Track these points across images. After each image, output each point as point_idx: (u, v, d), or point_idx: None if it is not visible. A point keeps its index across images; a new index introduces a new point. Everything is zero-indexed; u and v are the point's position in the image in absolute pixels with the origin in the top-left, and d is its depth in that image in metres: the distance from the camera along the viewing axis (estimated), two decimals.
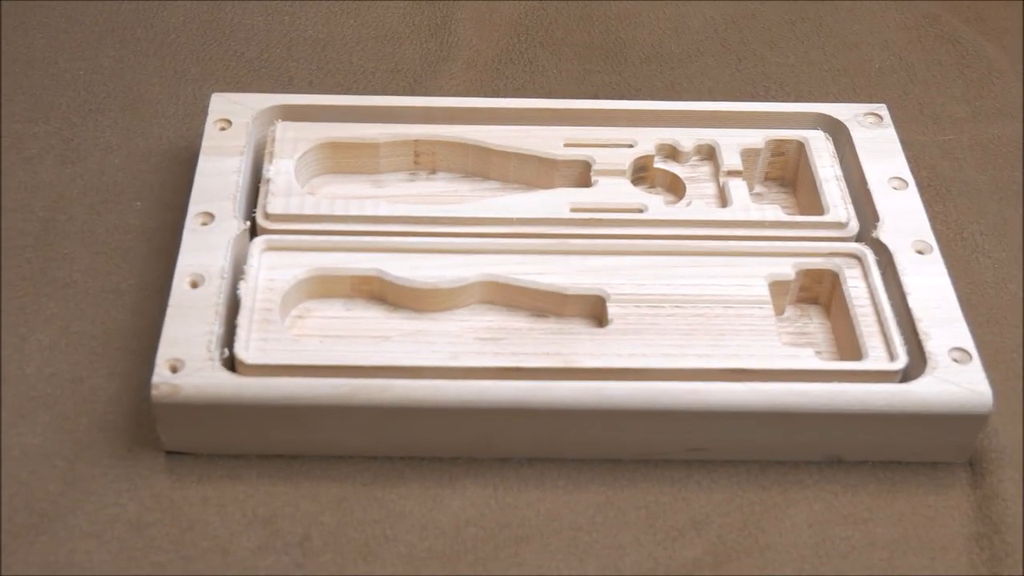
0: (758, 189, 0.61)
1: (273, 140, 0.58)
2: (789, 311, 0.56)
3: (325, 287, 0.54)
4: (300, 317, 0.54)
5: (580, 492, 0.50)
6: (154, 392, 0.48)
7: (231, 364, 0.50)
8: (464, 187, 0.60)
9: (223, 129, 0.58)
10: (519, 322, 0.53)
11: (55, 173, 0.59)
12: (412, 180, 0.60)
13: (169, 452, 0.50)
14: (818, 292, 0.55)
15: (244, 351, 0.49)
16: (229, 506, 0.49)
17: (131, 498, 0.49)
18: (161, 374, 0.48)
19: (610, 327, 0.52)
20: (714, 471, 0.51)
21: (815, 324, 0.55)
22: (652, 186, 0.60)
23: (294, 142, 0.58)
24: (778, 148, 0.60)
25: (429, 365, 0.50)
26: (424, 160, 0.60)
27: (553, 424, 0.50)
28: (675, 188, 0.59)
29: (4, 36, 0.69)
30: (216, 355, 0.49)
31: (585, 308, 0.54)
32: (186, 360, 0.49)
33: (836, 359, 0.53)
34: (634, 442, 0.51)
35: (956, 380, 0.50)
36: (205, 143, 0.58)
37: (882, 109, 0.61)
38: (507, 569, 0.48)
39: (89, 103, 0.61)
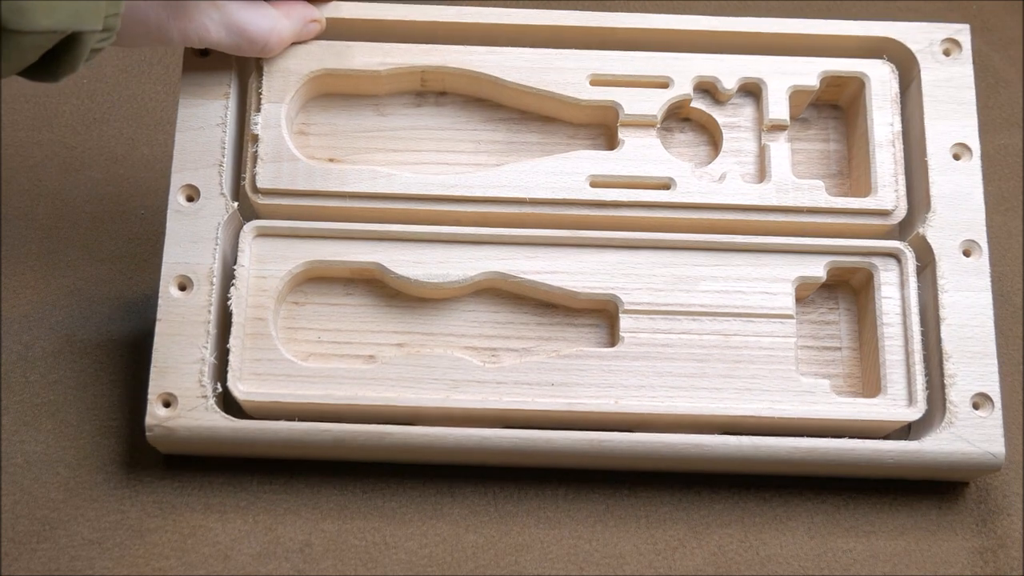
0: (806, 115, 0.54)
1: (259, 74, 0.51)
2: (815, 294, 0.52)
3: (322, 275, 0.51)
4: (297, 304, 0.51)
5: (580, 501, 0.50)
6: (149, 435, 0.48)
7: (225, 395, 0.48)
8: (476, 116, 0.53)
9: (203, 53, 0.51)
10: (525, 316, 0.51)
11: (59, 181, 0.59)
12: (419, 105, 0.53)
13: (169, 456, 0.51)
14: (850, 277, 0.52)
15: (237, 384, 0.48)
16: (230, 513, 0.49)
17: (133, 504, 0.49)
18: (155, 414, 0.47)
19: (620, 347, 0.49)
20: (714, 482, 0.51)
21: (841, 311, 0.52)
22: (686, 119, 0.53)
23: (283, 76, 0.51)
24: (835, 82, 0.53)
25: (428, 406, 0.48)
26: (432, 82, 0.52)
27: (550, 461, 0.49)
28: (711, 131, 0.53)
29: None
30: (209, 390, 0.48)
31: (597, 309, 0.51)
32: (179, 396, 0.47)
33: (856, 368, 0.51)
34: (633, 468, 0.50)
35: (972, 438, 0.48)
36: (185, 76, 0.51)
37: (963, 32, 0.53)
38: None
39: (93, 112, 0.61)
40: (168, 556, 0.48)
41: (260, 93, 0.51)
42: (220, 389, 0.48)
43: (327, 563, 0.48)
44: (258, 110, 0.50)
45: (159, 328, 0.48)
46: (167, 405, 0.47)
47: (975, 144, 0.51)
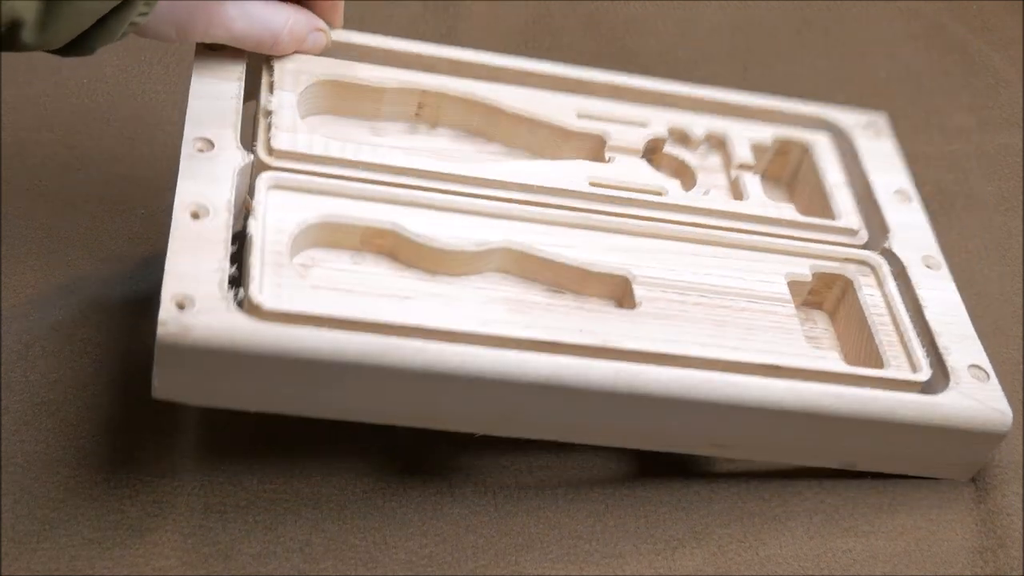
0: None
1: (272, 70, 0.53)
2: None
3: (334, 236, 0.49)
4: (304, 266, 0.49)
5: (580, 500, 0.50)
6: (160, 330, 0.42)
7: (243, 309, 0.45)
8: (466, 146, 0.56)
9: (215, 50, 0.53)
10: (536, 296, 0.51)
11: (59, 181, 0.59)
12: (412, 132, 0.56)
13: (158, 400, 0.46)
14: (825, 297, 0.55)
15: (259, 294, 0.44)
16: (230, 512, 0.49)
17: (133, 504, 0.49)
18: (168, 310, 0.43)
19: (640, 309, 0.50)
20: (713, 481, 0.51)
21: (820, 329, 0.55)
22: (660, 165, 0.58)
23: (295, 75, 0.53)
24: (783, 147, 0.60)
25: (461, 330, 0.46)
26: (427, 113, 0.56)
27: (585, 404, 0.47)
28: (684, 175, 0.57)
29: None
30: (229, 295, 0.44)
31: (608, 288, 0.51)
32: (196, 298, 0.43)
33: (851, 361, 0.52)
34: (660, 430, 0.49)
35: (978, 397, 0.50)
36: (197, 63, 0.52)
37: (881, 119, 0.61)
38: None
39: (93, 112, 0.61)
40: (168, 556, 0.48)
41: (272, 82, 0.53)
42: (242, 295, 0.45)
43: (327, 563, 0.48)
44: (272, 93, 0.52)
45: (172, 247, 0.45)
46: (182, 308, 0.43)
47: (914, 192, 0.58)
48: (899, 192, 0.58)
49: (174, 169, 0.59)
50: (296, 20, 0.53)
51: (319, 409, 0.47)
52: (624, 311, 0.51)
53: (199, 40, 0.52)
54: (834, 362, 0.51)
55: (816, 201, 0.58)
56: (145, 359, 0.54)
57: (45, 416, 0.52)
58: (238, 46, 0.52)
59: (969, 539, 0.50)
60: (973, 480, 0.52)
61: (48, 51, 0.46)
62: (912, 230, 0.56)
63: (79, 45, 0.46)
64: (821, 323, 0.55)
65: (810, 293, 0.55)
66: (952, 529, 0.50)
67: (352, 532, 0.49)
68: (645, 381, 0.47)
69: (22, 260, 0.57)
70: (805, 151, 0.59)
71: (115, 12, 0.45)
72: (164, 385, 0.45)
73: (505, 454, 0.52)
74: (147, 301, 0.56)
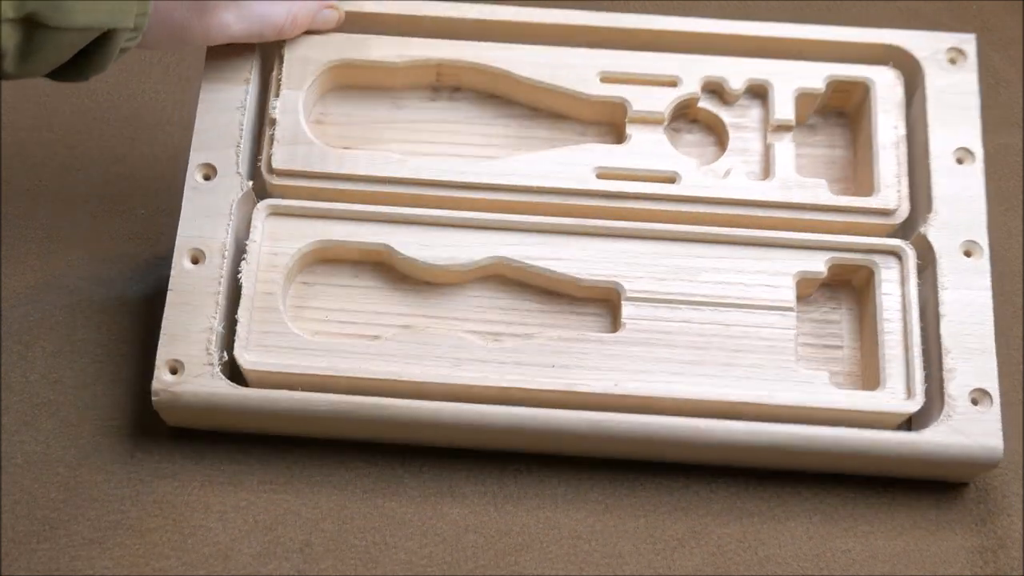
0: (813, 120, 0.55)
1: (281, 61, 0.53)
2: (818, 293, 0.52)
3: (334, 255, 0.52)
4: (306, 284, 0.52)
5: (580, 500, 0.50)
6: (155, 399, 0.48)
7: (231, 365, 0.49)
8: (489, 111, 0.54)
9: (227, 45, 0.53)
10: (529, 303, 0.51)
11: (59, 181, 0.59)
12: (433, 99, 0.54)
13: (172, 434, 0.51)
14: (853, 278, 0.52)
15: (244, 354, 0.49)
16: (231, 513, 0.49)
17: (133, 504, 0.49)
18: (161, 379, 0.48)
19: (621, 334, 0.49)
20: (713, 481, 0.51)
21: (843, 311, 0.52)
22: (693, 121, 0.54)
23: (303, 64, 0.53)
24: (840, 87, 0.54)
25: (431, 381, 0.48)
26: (446, 80, 0.54)
27: (551, 442, 0.49)
28: (718, 132, 0.54)
29: None
30: (215, 358, 0.49)
31: (599, 299, 0.52)
32: (186, 363, 0.48)
33: (855, 363, 0.51)
34: (634, 454, 0.50)
35: (970, 431, 0.48)
36: (208, 65, 0.53)
37: (969, 42, 0.54)
38: None
39: (93, 112, 0.61)
40: (168, 556, 0.48)
41: (280, 80, 0.52)
42: (226, 358, 0.49)
43: (327, 563, 0.48)
44: (277, 95, 0.52)
45: (170, 298, 0.49)
46: (174, 372, 0.48)
47: (978, 149, 0.52)
48: (961, 150, 0.52)
49: (174, 169, 0.59)
50: (300, 7, 0.52)
51: (313, 438, 0.51)
52: (605, 338, 0.50)
53: (200, 47, 0.52)
54: (816, 389, 0.48)
55: (865, 161, 0.53)
56: (145, 359, 0.54)
57: (45, 416, 0.52)
58: (242, 41, 0.52)
59: (969, 539, 0.50)
60: (973, 480, 0.52)
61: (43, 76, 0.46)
62: (960, 206, 0.51)
63: (70, 73, 0.46)
64: (846, 303, 0.52)
65: (834, 276, 0.52)
66: (951, 529, 0.50)
67: (352, 532, 0.49)
68: (607, 428, 0.48)
69: (22, 260, 0.57)
70: (866, 93, 0.53)
71: (101, 41, 0.45)
72: (173, 423, 0.51)
73: (505, 454, 0.52)
74: (147, 301, 0.56)
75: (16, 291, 0.56)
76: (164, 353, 0.49)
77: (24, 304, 0.56)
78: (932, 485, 0.51)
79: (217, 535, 0.49)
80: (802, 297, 0.51)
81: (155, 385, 0.48)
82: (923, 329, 0.50)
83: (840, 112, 0.55)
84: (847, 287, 0.52)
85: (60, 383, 0.53)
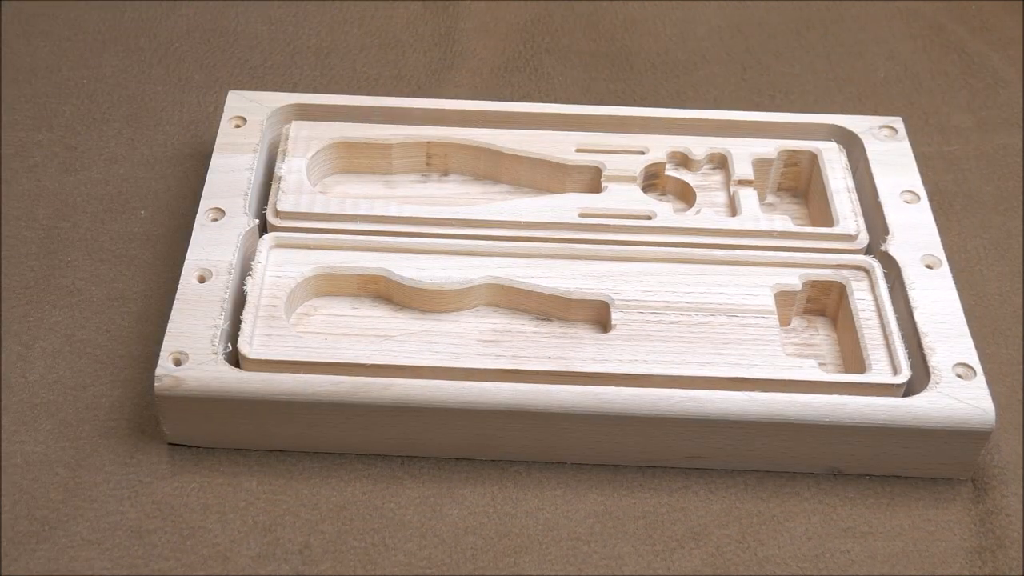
0: (770, 199, 0.61)
1: (287, 138, 0.59)
2: (796, 322, 0.56)
3: (332, 285, 0.55)
4: (306, 314, 0.54)
5: (579, 502, 0.50)
6: (157, 384, 0.49)
7: (235, 359, 0.50)
8: (475, 189, 0.60)
9: (238, 127, 0.59)
10: (523, 325, 0.54)
11: (58, 181, 0.59)
12: (424, 182, 0.60)
13: (171, 444, 0.51)
14: (826, 304, 0.55)
15: (247, 346, 0.50)
16: (230, 514, 0.49)
17: (132, 505, 0.49)
18: (165, 366, 0.49)
19: (613, 332, 0.52)
20: (712, 482, 0.51)
21: (821, 336, 0.55)
22: (663, 194, 0.60)
23: (307, 141, 0.59)
24: (791, 159, 0.60)
25: (430, 365, 0.50)
26: (436, 162, 0.60)
27: (552, 427, 0.50)
28: (686, 196, 0.59)
29: (7, 44, 0.69)
30: (219, 349, 0.50)
31: (589, 313, 0.54)
32: (190, 353, 0.50)
33: (841, 371, 0.53)
34: (632, 448, 0.51)
35: (959, 396, 0.50)
36: (220, 139, 0.58)
37: (897, 122, 0.61)
38: None
39: (93, 112, 0.61)
40: (168, 557, 0.48)
41: (285, 150, 0.58)
42: (230, 348, 0.51)
43: (326, 564, 0.48)
44: (283, 160, 0.58)
45: (176, 307, 0.51)
46: (178, 364, 0.50)
47: (922, 191, 0.58)
48: (907, 192, 0.58)
49: (174, 169, 0.59)
50: None
51: (308, 445, 0.51)
52: (599, 336, 0.53)
53: None
54: (806, 371, 0.51)
55: (825, 208, 0.58)
56: (145, 359, 0.54)
57: (45, 417, 0.52)
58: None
59: (968, 539, 0.50)
60: (971, 480, 0.52)
61: None
62: (914, 230, 0.56)
63: None
64: (823, 330, 0.55)
65: (810, 301, 0.55)
66: (950, 529, 0.50)
67: (351, 534, 0.49)
68: (606, 401, 0.49)
69: (22, 260, 0.57)
70: (814, 160, 0.60)
71: None
72: (173, 431, 0.51)
73: (504, 455, 0.52)
74: (147, 301, 0.56)
75: (16, 291, 0.56)
76: (168, 347, 0.50)
77: (24, 304, 0.56)
78: (932, 485, 0.51)
79: (216, 536, 0.49)
80: (783, 324, 0.55)
81: (158, 371, 0.49)
82: (899, 321, 0.53)
83: (793, 191, 0.61)
84: (822, 315, 0.56)
85: (60, 383, 0.53)
